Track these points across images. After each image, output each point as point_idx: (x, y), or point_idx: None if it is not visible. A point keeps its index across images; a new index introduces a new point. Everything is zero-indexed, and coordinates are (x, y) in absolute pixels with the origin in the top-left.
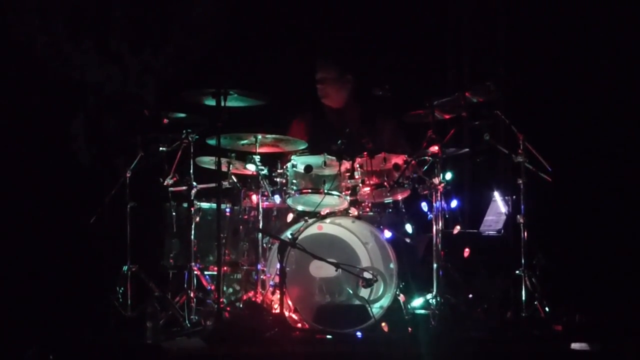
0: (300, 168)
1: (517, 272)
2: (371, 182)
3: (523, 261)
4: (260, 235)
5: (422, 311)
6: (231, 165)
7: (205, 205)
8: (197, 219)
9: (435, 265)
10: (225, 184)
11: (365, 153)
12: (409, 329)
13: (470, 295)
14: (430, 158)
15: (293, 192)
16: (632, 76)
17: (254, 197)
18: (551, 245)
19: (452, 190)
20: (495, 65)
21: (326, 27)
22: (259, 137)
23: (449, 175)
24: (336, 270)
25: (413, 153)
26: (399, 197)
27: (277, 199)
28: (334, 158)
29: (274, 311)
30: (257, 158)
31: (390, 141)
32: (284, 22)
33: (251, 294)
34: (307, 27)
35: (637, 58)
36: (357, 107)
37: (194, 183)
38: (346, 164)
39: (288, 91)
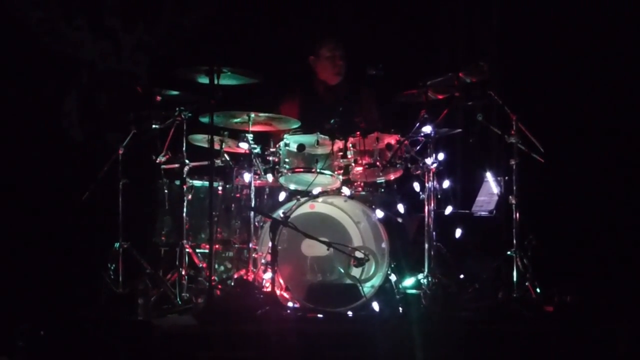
0: (293, 147)
1: (509, 252)
2: (364, 162)
3: (515, 242)
4: (252, 213)
5: (414, 291)
6: (224, 144)
7: (197, 183)
8: (190, 196)
9: (426, 245)
10: (218, 162)
11: (357, 132)
12: (400, 308)
13: (462, 276)
14: (423, 138)
15: (285, 170)
16: (627, 56)
17: (247, 176)
18: (543, 226)
19: (444, 170)
20: (489, 45)
21: (319, 5)
22: (252, 115)
23: (441, 156)
24: (328, 249)
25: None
26: (392, 177)
27: (270, 177)
28: (326, 137)
29: (265, 289)
30: (249, 136)
31: (370, 117)
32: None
33: (243, 272)
34: (300, 5)
35: (632, 38)
36: (346, 85)
37: (187, 161)
38: (339, 143)
39: (282, 69)
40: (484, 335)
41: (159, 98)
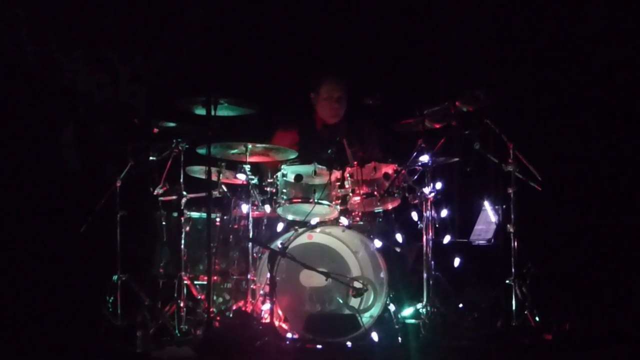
0: (291, 177)
1: (508, 281)
2: (361, 192)
3: (513, 270)
4: (250, 244)
5: (413, 320)
6: (221, 175)
7: (195, 214)
8: (187, 228)
9: (425, 275)
10: (216, 193)
11: (355, 162)
12: (399, 338)
13: (461, 305)
14: (420, 167)
15: (283, 201)
16: (623, 84)
17: (244, 206)
18: (541, 254)
19: (442, 199)
20: (486, 74)
21: (317, 37)
22: (249, 146)
23: (439, 185)
24: (326, 280)
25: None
26: (389, 207)
27: (267, 208)
28: (324, 167)
29: (264, 320)
30: (247, 167)
31: (371, 150)
32: (274, 31)
33: (241, 303)
34: (297, 37)
35: (628, 66)
36: (345, 120)
37: (184, 192)
38: (336, 173)
39: (279, 100)
40: None
41: (156, 130)
